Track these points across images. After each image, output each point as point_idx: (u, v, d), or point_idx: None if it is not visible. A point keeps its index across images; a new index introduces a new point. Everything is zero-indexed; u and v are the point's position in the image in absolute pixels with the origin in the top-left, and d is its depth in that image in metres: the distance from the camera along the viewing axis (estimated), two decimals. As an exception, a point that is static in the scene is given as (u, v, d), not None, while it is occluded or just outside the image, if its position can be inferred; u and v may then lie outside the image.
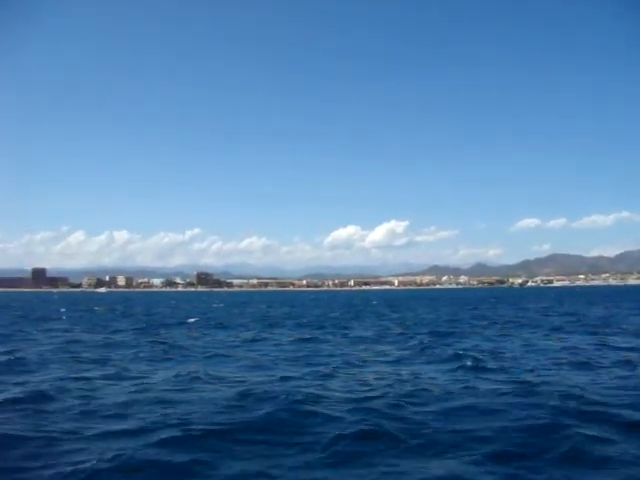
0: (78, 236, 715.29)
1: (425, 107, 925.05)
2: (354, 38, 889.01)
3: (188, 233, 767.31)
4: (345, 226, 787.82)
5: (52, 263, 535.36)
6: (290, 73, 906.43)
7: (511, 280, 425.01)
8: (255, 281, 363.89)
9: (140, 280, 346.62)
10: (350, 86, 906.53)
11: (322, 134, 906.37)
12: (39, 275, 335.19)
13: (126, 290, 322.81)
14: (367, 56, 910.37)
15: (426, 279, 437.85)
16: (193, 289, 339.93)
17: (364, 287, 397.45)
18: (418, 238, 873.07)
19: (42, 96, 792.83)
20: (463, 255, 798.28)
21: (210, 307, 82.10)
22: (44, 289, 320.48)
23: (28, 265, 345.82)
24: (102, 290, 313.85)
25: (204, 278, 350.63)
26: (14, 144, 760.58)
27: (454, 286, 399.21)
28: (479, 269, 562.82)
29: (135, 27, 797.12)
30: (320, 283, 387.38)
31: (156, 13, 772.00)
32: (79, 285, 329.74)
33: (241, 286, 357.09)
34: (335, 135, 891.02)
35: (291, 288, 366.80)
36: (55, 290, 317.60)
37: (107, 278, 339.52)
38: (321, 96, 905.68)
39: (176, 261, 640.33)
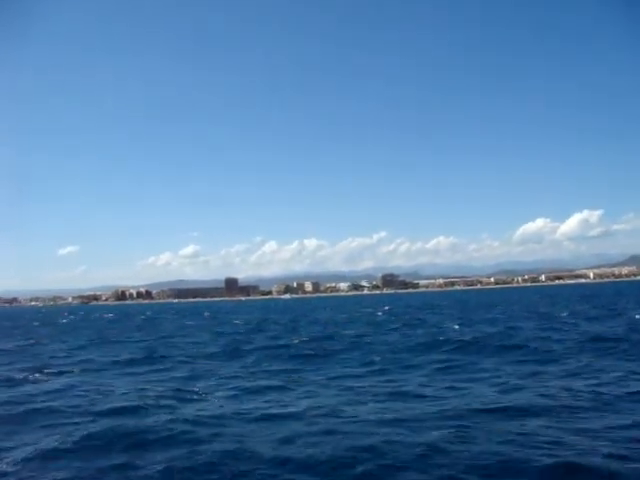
0: (271, 246, 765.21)
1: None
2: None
3: (375, 236, 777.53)
4: (534, 219, 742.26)
5: (248, 272, 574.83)
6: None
7: None
8: (441, 281, 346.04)
9: (327, 285, 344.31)
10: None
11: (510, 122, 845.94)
12: (231, 284, 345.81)
13: (312, 295, 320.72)
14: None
15: (625, 270, 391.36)
16: (379, 292, 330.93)
17: (556, 282, 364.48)
18: (614, 227, 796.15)
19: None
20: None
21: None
22: (236, 297, 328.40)
23: (227, 275, 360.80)
24: (286, 296, 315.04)
25: (389, 280, 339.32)
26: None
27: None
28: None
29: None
30: (509, 280, 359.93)
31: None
32: (269, 292, 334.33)
33: (427, 287, 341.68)
34: (526, 120, 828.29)
35: (478, 286, 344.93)
36: (244, 298, 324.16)
37: (295, 284, 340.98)
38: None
39: (365, 264, 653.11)
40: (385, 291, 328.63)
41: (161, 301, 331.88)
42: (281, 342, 33.35)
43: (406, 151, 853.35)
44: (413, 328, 41.00)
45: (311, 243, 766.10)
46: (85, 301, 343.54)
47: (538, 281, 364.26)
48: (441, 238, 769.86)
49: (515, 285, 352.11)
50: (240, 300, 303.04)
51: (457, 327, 38.83)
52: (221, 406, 14.73)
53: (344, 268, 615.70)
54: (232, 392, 16.76)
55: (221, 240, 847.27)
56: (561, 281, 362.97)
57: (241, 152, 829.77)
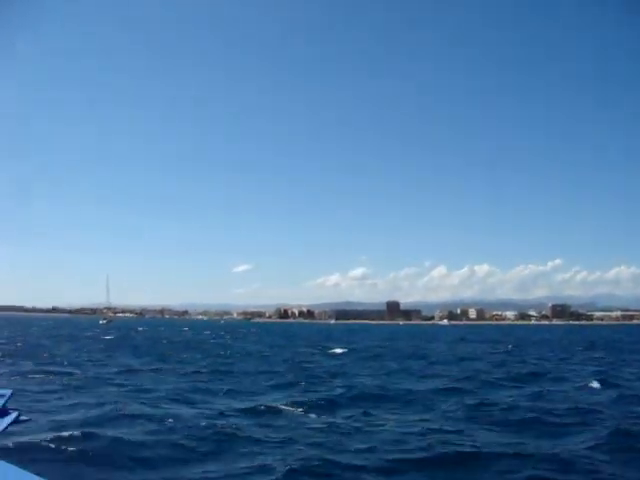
0: (440, 271, 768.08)
1: None
2: None
3: (550, 264, 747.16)
4: None
5: (416, 297, 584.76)
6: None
7: None
8: (618, 313, 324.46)
9: (493, 313, 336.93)
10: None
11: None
12: (393, 308, 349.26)
13: (476, 323, 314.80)
14: None
15: None
16: (547, 322, 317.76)
17: None
18: None
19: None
20: None
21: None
22: (395, 321, 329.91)
23: (395, 298, 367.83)
24: (443, 322, 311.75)
25: (560, 310, 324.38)
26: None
27: None
28: None
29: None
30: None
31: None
32: (432, 318, 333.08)
33: (601, 319, 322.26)
34: None
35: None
36: (402, 322, 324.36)
37: (458, 311, 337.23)
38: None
39: (538, 293, 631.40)
40: (554, 322, 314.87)
41: (320, 321, 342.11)
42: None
43: (584, 175, 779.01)
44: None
45: (482, 269, 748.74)
46: (248, 317, 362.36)
47: None
48: (622, 267, 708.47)
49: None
50: (398, 324, 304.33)
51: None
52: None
53: (515, 296, 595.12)
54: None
55: (390, 263, 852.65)
56: None
57: (415, 178, 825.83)
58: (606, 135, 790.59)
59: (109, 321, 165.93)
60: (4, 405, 3.08)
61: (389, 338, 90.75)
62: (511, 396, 21.58)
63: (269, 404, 18.94)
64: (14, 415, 3.09)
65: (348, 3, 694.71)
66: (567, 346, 64.62)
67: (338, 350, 50.07)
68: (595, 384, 24.97)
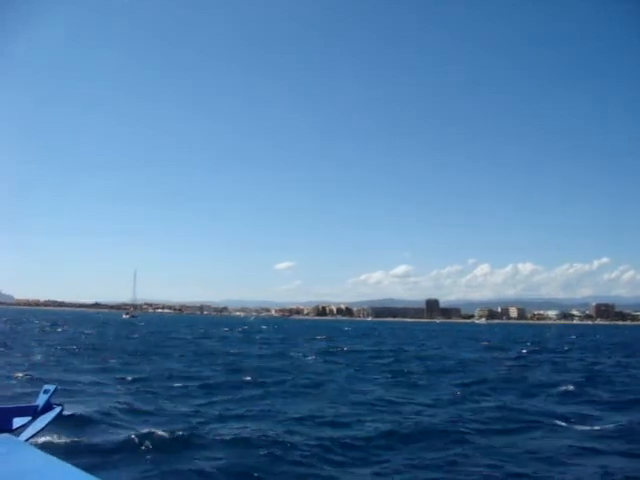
0: (483, 269, 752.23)
1: None
2: None
3: (596, 262, 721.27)
4: None
5: (458, 295, 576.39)
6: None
7: None
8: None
9: (534, 312, 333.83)
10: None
11: None
12: (432, 306, 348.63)
13: (517, 322, 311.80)
14: None
15: None
16: (590, 322, 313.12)
17: None
18: None
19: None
20: None
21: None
22: (433, 319, 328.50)
23: (437, 296, 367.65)
24: (481, 321, 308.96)
25: (604, 310, 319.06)
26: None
27: None
28: None
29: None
30: None
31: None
32: (471, 316, 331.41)
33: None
34: None
35: None
36: (438, 321, 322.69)
37: (499, 309, 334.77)
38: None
39: (583, 292, 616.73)
40: (598, 322, 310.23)
41: (358, 319, 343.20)
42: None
43: (630, 173, 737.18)
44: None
45: (526, 267, 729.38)
46: (286, 314, 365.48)
47: None
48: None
49: None
50: (434, 322, 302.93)
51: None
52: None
53: (560, 295, 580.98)
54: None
55: (433, 261, 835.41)
56: None
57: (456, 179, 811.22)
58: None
59: (132, 316, 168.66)
60: (48, 400, 3.17)
61: (404, 338, 78.21)
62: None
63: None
64: (58, 410, 3.18)
65: (357, 3, 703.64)
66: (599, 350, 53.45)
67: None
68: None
